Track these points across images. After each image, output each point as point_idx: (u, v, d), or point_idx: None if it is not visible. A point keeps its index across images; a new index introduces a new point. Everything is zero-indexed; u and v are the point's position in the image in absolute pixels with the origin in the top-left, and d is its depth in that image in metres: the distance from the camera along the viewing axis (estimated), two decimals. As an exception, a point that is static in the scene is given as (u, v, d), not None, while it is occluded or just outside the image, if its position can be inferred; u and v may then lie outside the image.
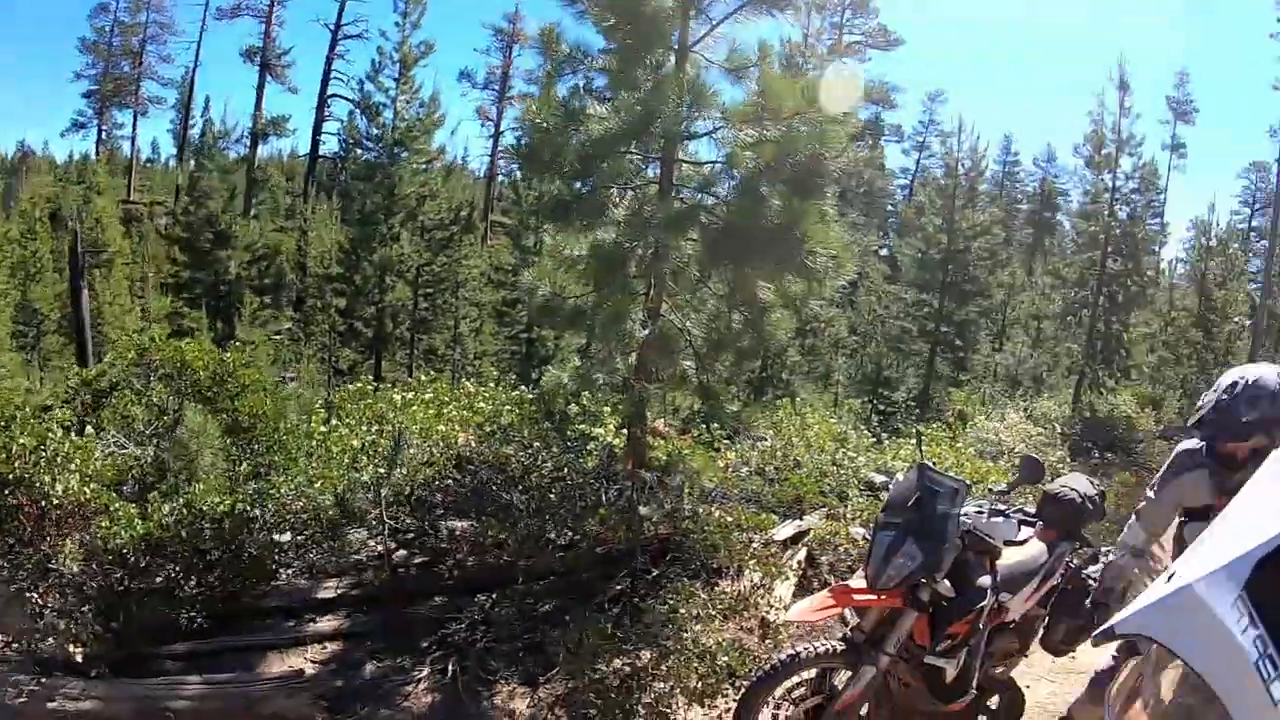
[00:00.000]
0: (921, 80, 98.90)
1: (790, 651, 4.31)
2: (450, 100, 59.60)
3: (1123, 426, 19.14)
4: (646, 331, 6.23)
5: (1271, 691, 1.25)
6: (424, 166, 22.71)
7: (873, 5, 46.57)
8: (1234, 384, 3.89)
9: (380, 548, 6.16)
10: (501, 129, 46.71)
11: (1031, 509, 5.35)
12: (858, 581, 4.43)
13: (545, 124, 6.06)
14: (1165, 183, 42.34)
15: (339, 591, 5.94)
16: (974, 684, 4.58)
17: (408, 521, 6.41)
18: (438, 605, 5.89)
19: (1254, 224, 51.18)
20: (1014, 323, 32.12)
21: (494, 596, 5.88)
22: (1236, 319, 29.20)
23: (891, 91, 49.39)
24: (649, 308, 6.45)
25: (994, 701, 5.30)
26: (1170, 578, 1.61)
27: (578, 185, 6.41)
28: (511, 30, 46.55)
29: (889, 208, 52.18)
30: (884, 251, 42.80)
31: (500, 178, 45.69)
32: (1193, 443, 4.21)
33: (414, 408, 7.68)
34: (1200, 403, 4.02)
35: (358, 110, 24.58)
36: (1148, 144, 26.21)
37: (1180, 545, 4.19)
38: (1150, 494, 4.35)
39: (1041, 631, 5.07)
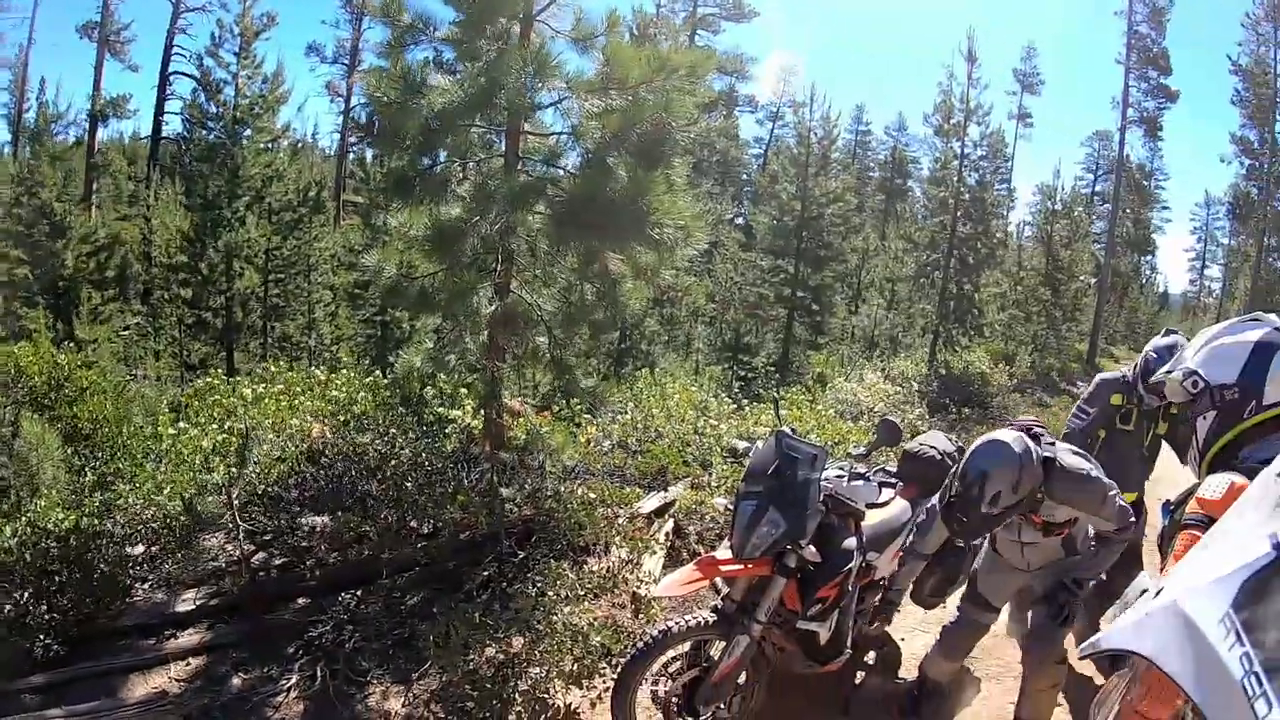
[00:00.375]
0: (777, 51, 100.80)
1: (662, 627, 4.29)
2: (299, 75, 57.91)
3: (977, 382, 19.84)
4: (494, 309, 6.06)
5: (1255, 708, 1.26)
6: (268, 146, 21.67)
7: None
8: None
9: (237, 552, 5.83)
10: (351, 104, 44.83)
11: (893, 468, 5.55)
12: (724, 552, 4.46)
13: (386, 98, 5.78)
14: (1012, 150, 44.45)
15: (198, 603, 5.56)
16: (848, 644, 4.69)
17: (264, 522, 6.11)
18: (301, 608, 5.62)
19: (1096, 189, 53.99)
20: (869, 286, 32.96)
21: (359, 593, 5.67)
22: (1082, 277, 30.79)
23: (746, 62, 49.71)
24: (498, 284, 6.29)
25: (871, 657, 5.54)
26: (1157, 594, 1.63)
27: (421, 161, 6.15)
28: (360, 1, 44.96)
29: (744, 177, 52.84)
30: (740, 220, 43.33)
31: (351, 155, 44.52)
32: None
33: (265, 401, 7.30)
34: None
35: (199, 88, 23.42)
36: (996, 113, 27.21)
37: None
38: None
39: (911, 586, 5.20)
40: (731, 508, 4.76)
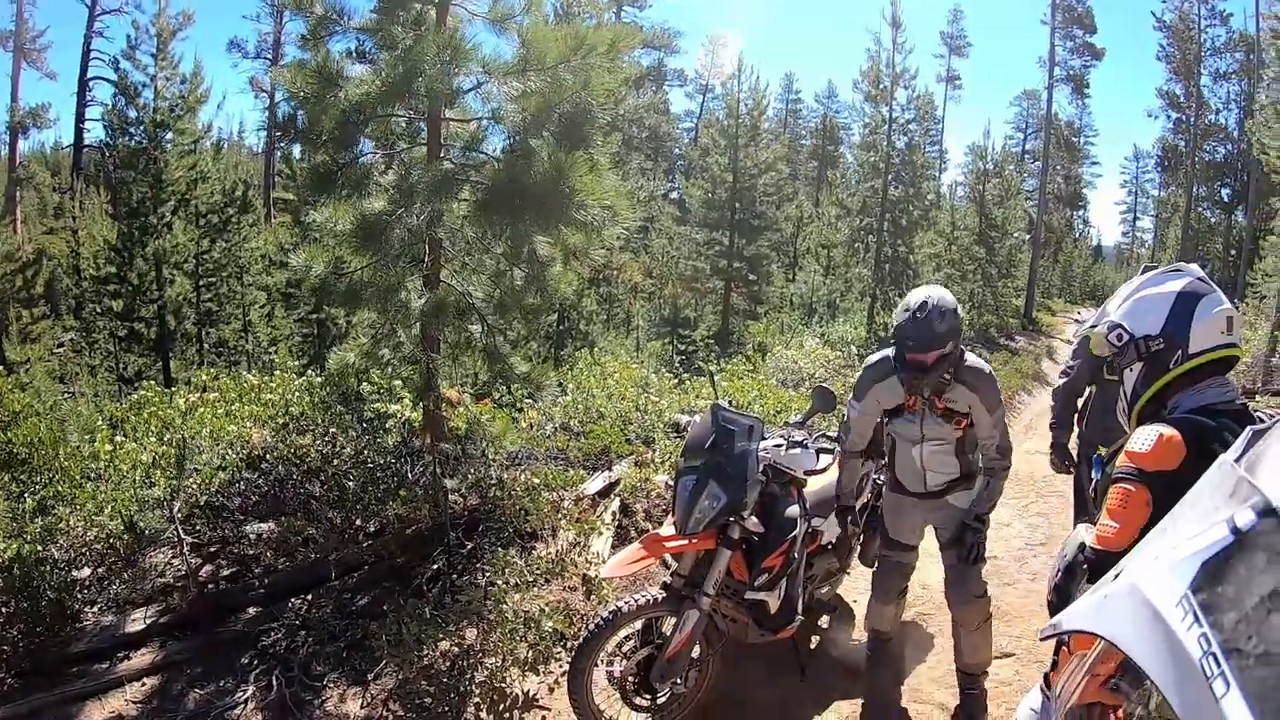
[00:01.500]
0: (705, 24, 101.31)
1: (612, 607, 4.32)
2: (222, 72, 56.75)
3: (915, 343, 19.94)
4: (425, 301, 6.00)
5: (1214, 688, 1.28)
6: (191, 147, 21.16)
7: None
8: (924, 303, 4.29)
9: (184, 567, 5.67)
10: (276, 100, 43.88)
11: (834, 433, 5.63)
12: (668, 529, 4.47)
13: (304, 92, 5.63)
14: (942, 113, 45.32)
15: (149, 621, 5.38)
16: (799, 610, 4.77)
17: (208, 533, 5.98)
18: (253, 617, 5.51)
19: (1027, 147, 55.35)
20: (805, 253, 33.19)
21: (309, 598, 5.59)
22: (1015, 234, 31.28)
23: (674, 37, 49.84)
24: (427, 275, 6.21)
25: (825, 620, 5.78)
26: (1117, 575, 1.67)
27: (342, 154, 5.99)
28: None
29: (675, 151, 52.95)
30: (674, 195, 43.43)
31: (278, 151, 43.65)
32: (879, 355, 4.66)
33: (202, 410, 7.17)
34: (897, 321, 4.37)
35: (118, 92, 22.74)
36: (925, 77, 27.53)
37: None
38: (853, 403, 4.74)
39: (858, 548, 5.49)
40: (670, 484, 4.79)
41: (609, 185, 6.02)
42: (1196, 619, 1.36)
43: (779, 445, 4.94)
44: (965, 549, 4.61)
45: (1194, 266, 2.81)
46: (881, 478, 5.21)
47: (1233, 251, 38.33)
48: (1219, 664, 1.28)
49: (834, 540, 5.31)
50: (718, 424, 4.48)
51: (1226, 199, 43.86)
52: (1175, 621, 1.39)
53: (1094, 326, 2.92)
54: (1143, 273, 3.50)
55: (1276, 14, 23.38)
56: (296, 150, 23.48)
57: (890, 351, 4.55)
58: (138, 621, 5.39)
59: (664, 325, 27.34)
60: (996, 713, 4.95)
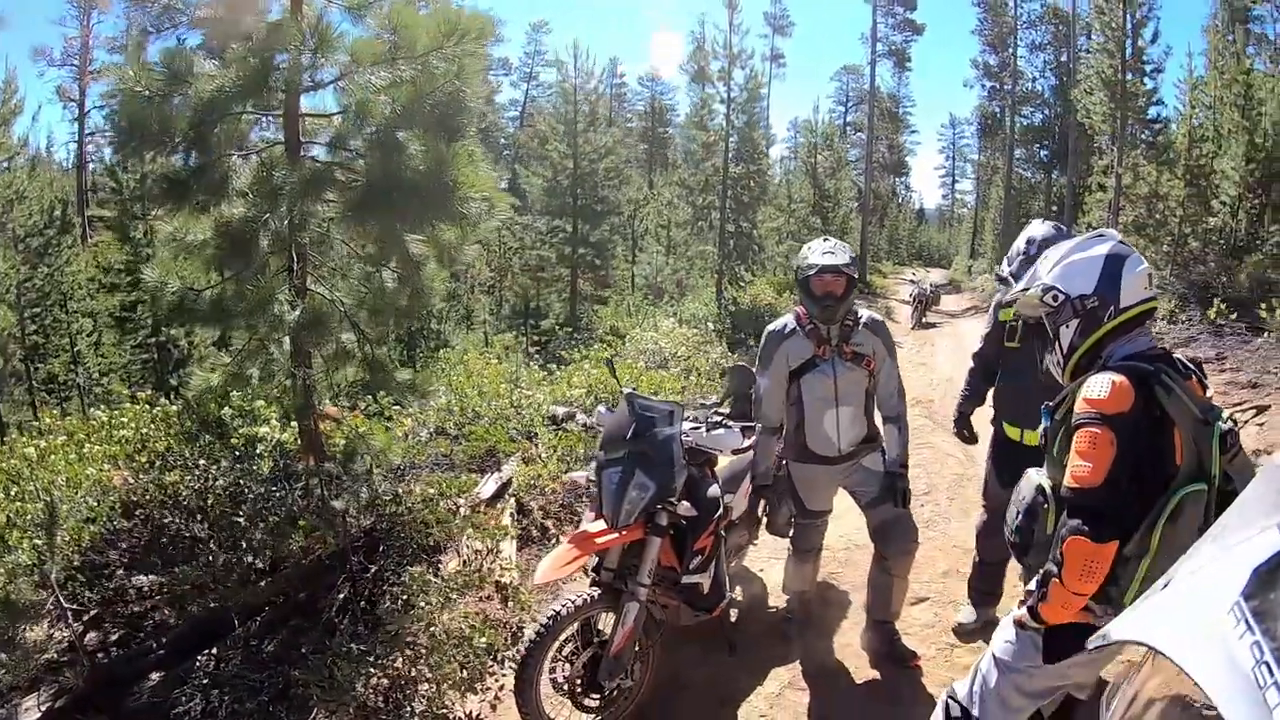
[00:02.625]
0: (527, 12, 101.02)
1: (550, 612, 4.16)
2: (28, 83, 53.16)
3: (768, 313, 20.32)
4: (298, 312, 5.58)
5: (1267, 698, 1.21)
6: (6, 164, 19.61)
7: None
8: (826, 238, 4.94)
9: (68, 638, 5.03)
10: (88, 108, 40.58)
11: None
12: (593, 524, 4.38)
13: (148, 91, 5.04)
14: (768, 91, 46.50)
15: (43, 708, 4.61)
16: (727, 587, 4.87)
17: (87, 595, 5.31)
18: (157, 683, 4.91)
19: (849, 119, 57.70)
20: (643, 234, 33.35)
21: (214, 651, 5.08)
22: (845, 203, 32.28)
23: (498, 25, 49.47)
24: (295, 285, 5.79)
25: (739, 593, 5.82)
26: (1167, 584, 1.59)
27: (194, 157, 5.49)
28: None
29: (501, 141, 52.60)
30: (503, 185, 43.18)
31: (92, 164, 40.92)
32: (778, 322, 4.96)
33: (53, 456, 6.49)
34: (805, 261, 4.81)
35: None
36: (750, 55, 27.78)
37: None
38: (761, 373, 4.96)
39: (764, 519, 5.48)
40: (592, 479, 4.72)
41: (485, 177, 5.80)
42: (1249, 627, 1.30)
43: (697, 427, 4.89)
44: (898, 495, 4.87)
45: (1113, 231, 3.10)
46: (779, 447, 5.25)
47: (1054, 207, 40.66)
48: (1272, 673, 1.22)
49: (741, 514, 5.41)
50: (635, 413, 4.45)
51: (1045, 159, 46.92)
52: (1227, 629, 1.33)
53: (1026, 290, 3.12)
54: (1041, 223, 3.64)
55: None
56: (109, 158, 22.00)
57: (786, 317, 4.95)
58: (30, 711, 4.67)
59: (513, 317, 27.16)
60: (929, 652, 5.24)
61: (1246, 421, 8.59)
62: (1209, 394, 2.89)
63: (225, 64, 5.21)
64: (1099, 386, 2.70)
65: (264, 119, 5.85)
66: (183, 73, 5.08)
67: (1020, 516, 3.01)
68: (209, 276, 5.59)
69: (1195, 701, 1.60)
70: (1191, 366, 2.90)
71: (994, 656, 3.12)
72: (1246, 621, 1.28)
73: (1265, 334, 13.58)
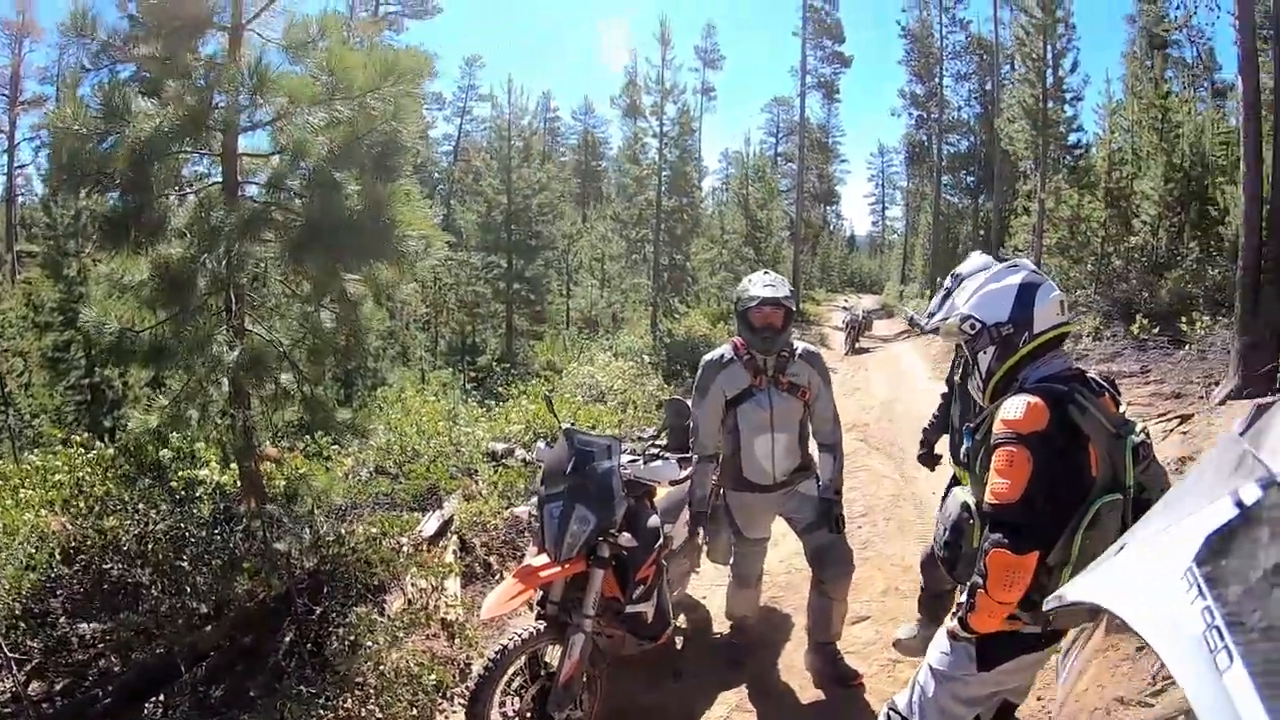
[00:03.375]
0: (460, 47, 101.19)
1: (497, 647, 4.17)
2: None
3: (702, 344, 20.42)
4: (237, 353, 5.54)
5: (1217, 661, 1.28)
6: None
7: None
8: (767, 273, 5.17)
9: (9, 690, 4.85)
10: (18, 139, 39.36)
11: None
12: (536, 559, 4.43)
13: (85, 129, 5.01)
14: (699, 124, 47.16)
15: None
16: (671, 615, 4.95)
17: (31, 644, 5.14)
18: None
19: (779, 150, 58.65)
20: (579, 268, 33.39)
21: (161, 699, 4.95)
22: (778, 232, 32.65)
23: (432, 60, 49.50)
24: (233, 325, 5.74)
25: (683, 620, 5.93)
26: (1121, 549, 1.64)
27: (131, 197, 5.42)
28: (21, 20, 38.79)
29: (435, 175, 52.44)
30: (438, 220, 42.95)
31: (22, 197, 39.77)
32: (714, 352, 5.11)
33: (-9, 504, 6.30)
34: (745, 294, 5.01)
35: None
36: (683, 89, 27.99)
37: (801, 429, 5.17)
38: (698, 401, 5.07)
39: (705, 547, 5.65)
40: (534, 514, 4.77)
41: (422, 215, 5.83)
42: (1201, 592, 1.37)
43: (635, 460, 4.95)
44: (832, 520, 5.05)
45: (1026, 261, 3.30)
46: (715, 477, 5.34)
47: (981, 232, 41.67)
48: (1223, 637, 1.29)
49: (682, 543, 5.50)
50: (574, 447, 4.50)
51: (971, 185, 48.17)
52: (1179, 594, 1.40)
53: (946, 319, 3.28)
54: (981, 268, 3.83)
55: (1021, 24, 25.93)
56: (40, 192, 21.35)
57: (724, 348, 5.10)
58: (-23, 768, 4.55)
59: (450, 354, 26.96)
60: (871, 669, 5.35)
61: (1171, 430, 8.81)
62: (1123, 409, 3.04)
63: (163, 102, 5.17)
64: (1015, 408, 2.83)
65: (202, 158, 5.80)
66: (120, 110, 5.03)
67: (947, 533, 3.15)
68: (146, 316, 5.51)
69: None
70: (1105, 384, 3.06)
71: (930, 667, 3.21)
72: (1199, 587, 1.35)
73: (1186, 346, 14.01)
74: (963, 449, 3.24)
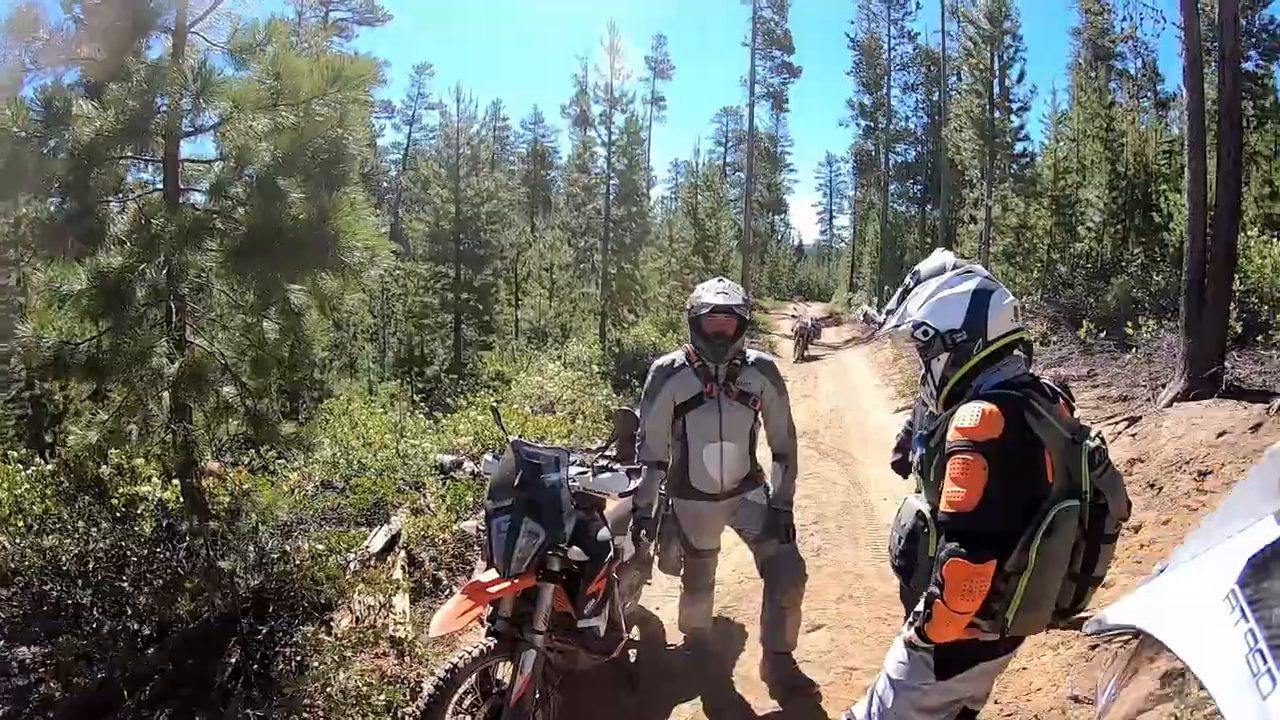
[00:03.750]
0: (410, 55, 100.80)
1: (447, 665, 4.05)
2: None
3: (651, 353, 20.48)
4: (178, 366, 5.38)
5: (1260, 685, 1.24)
6: None
7: None
8: (720, 279, 5.16)
9: None
10: None
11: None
12: (485, 574, 4.36)
13: (24, 131, 4.81)
14: (648, 133, 47.49)
15: None
16: (624, 628, 4.95)
17: None
18: None
19: (728, 160, 59.28)
20: (528, 278, 33.29)
21: None
22: (726, 242, 32.88)
23: (381, 68, 49.12)
24: (174, 337, 5.57)
25: (636, 633, 5.88)
26: (1162, 570, 1.61)
27: (68, 203, 5.23)
28: None
29: (384, 185, 52.12)
30: (385, 229, 42.61)
31: None
32: (666, 358, 5.16)
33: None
34: (698, 301, 5.05)
35: None
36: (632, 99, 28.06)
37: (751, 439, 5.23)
38: (646, 407, 5.13)
39: (656, 559, 5.67)
40: (482, 529, 4.69)
41: (367, 225, 5.69)
42: (1243, 615, 1.39)
43: (584, 472, 4.88)
44: (783, 530, 5.08)
45: (979, 267, 3.28)
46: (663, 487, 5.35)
47: (928, 240, 42.26)
48: (1265, 660, 1.26)
49: (633, 555, 5.44)
50: (522, 460, 4.42)
51: (919, 194, 49.06)
52: (1221, 617, 1.38)
53: (897, 327, 3.30)
54: (939, 269, 3.86)
55: (969, 35, 26.95)
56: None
57: (676, 354, 5.16)
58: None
59: (398, 365, 26.75)
60: (827, 678, 5.38)
61: (1120, 433, 8.94)
62: (1076, 414, 3.09)
63: (104, 106, 5.01)
64: (969, 415, 2.84)
65: (143, 164, 5.65)
66: (62, 113, 4.87)
67: (903, 541, 3.16)
68: (86, 328, 5.34)
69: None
70: (1059, 390, 3.09)
71: (888, 677, 3.21)
72: (1241, 609, 1.34)
73: (1133, 350, 14.29)
74: (916, 456, 3.26)
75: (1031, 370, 3.18)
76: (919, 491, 3.29)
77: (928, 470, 3.13)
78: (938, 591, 2.80)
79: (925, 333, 3.15)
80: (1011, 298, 3.14)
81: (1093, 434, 2.92)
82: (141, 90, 4.99)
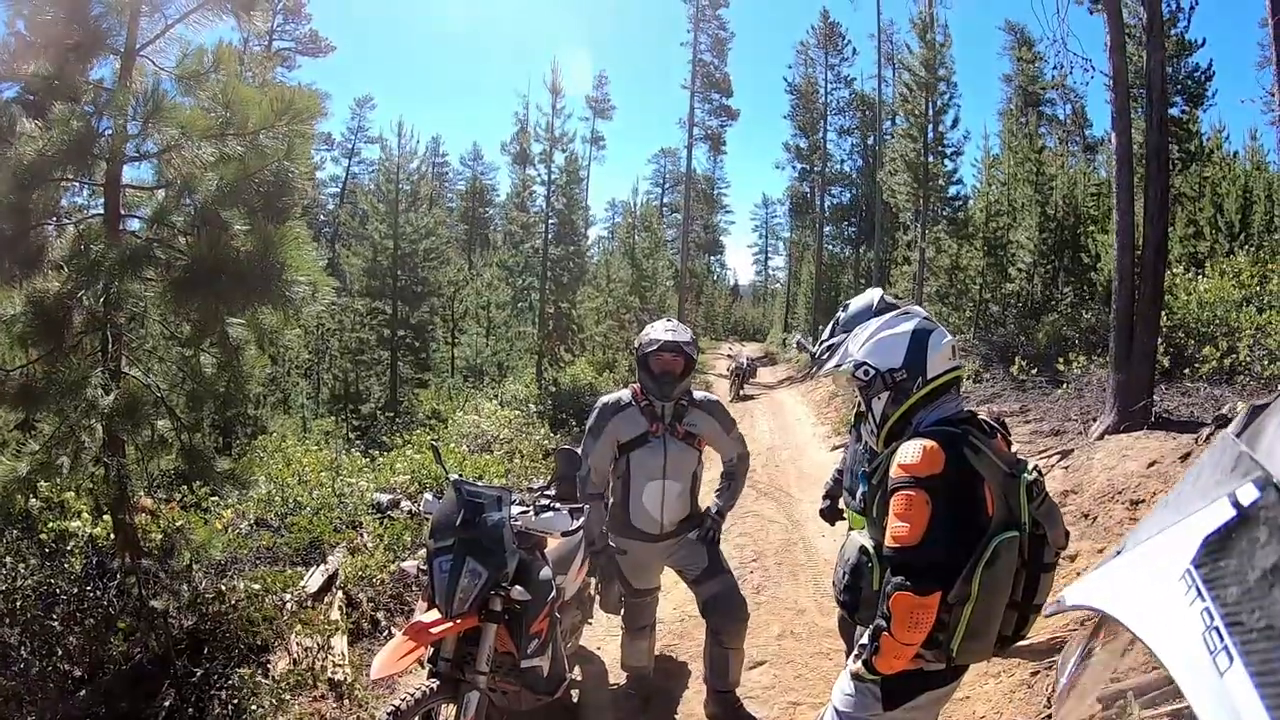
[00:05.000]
0: (351, 88, 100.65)
1: (389, 708, 3.94)
2: None
3: (588, 392, 20.52)
4: (112, 397, 5.23)
5: (1217, 662, 1.27)
6: None
7: (306, 10, 46.07)
8: (670, 320, 5.21)
9: None
10: None
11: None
12: (426, 614, 4.30)
13: None
14: (588, 172, 47.88)
15: None
16: (567, 668, 4.87)
17: None
18: None
19: (665, 200, 60.02)
20: (465, 315, 33.16)
21: None
22: (663, 282, 33.13)
23: (324, 100, 48.94)
24: (109, 367, 5.42)
25: (578, 673, 5.86)
26: (1119, 552, 1.62)
27: (4, 225, 5.02)
28: None
29: (321, 218, 51.74)
30: (323, 264, 42.22)
31: None
32: (612, 395, 5.24)
33: None
34: (648, 339, 5.12)
35: None
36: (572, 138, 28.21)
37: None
38: (589, 442, 5.17)
39: (598, 597, 5.66)
40: (423, 569, 4.63)
41: (310, 260, 5.60)
42: (1200, 594, 1.38)
43: (525, 512, 4.84)
44: (705, 531, 5.21)
45: (918, 309, 3.47)
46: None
47: (863, 280, 43.07)
48: (1223, 638, 1.29)
49: (574, 594, 5.44)
50: (463, 499, 4.39)
51: (853, 236, 50.06)
52: (1178, 596, 1.41)
53: (839, 366, 3.37)
54: (866, 305, 4.03)
55: (905, 81, 27.76)
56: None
57: (623, 392, 5.24)
58: None
59: (333, 401, 26.42)
60: (772, 713, 5.43)
61: (1053, 466, 9.12)
62: (1014, 448, 3.18)
63: (47, 125, 4.87)
64: (911, 453, 2.91)
65: (83, 188, 5.51)
66: (4, 131, 4.76)
67: (847, 576, 3.19)
68: (17, 354, 5.19)
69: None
70: (996, 425, 3.19)
71: (835, 709, 3.24)
72: (1197, 588, 1.37)
73: (1064, 385, 14.69)
74: (859, 493, 3.36)
75: (965, 406, 3.28)
76: (862, 528, 3.32)
77: (871, 506, 3.17)
78: (884, 624, 2.85)
79: (866, 372, 3.23)
80: (950, 337, 3.24)
81: (1029, 467, 3.02)
82: (87, 111, 4.89)
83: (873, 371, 3.21)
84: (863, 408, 4.44)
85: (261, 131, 5.19)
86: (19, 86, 5.19)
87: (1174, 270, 15.04)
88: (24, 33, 5.10)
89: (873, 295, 4.64)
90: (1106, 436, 10.07)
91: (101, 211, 5.40)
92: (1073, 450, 9.73)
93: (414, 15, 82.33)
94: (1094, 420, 11.38)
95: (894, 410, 3.18)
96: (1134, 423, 10.17)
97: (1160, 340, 11.79)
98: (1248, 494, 1.39)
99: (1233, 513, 1.39)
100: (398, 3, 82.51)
